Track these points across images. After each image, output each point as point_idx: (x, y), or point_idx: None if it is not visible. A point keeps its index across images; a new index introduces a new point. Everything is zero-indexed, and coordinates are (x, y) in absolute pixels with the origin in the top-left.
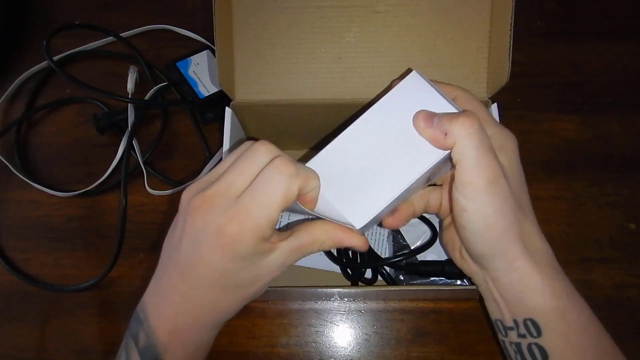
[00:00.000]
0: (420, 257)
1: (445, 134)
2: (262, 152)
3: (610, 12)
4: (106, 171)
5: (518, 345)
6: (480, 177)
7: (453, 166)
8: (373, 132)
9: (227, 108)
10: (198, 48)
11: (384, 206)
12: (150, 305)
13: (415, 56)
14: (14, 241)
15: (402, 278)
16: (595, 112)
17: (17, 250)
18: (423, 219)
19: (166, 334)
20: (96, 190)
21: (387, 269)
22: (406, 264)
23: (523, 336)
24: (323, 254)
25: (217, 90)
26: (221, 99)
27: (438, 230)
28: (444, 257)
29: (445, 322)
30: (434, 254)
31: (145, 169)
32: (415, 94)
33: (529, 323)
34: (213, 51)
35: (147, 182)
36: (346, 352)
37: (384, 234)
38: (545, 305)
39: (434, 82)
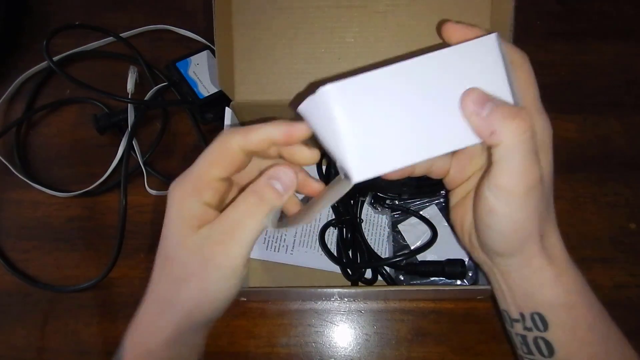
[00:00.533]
0: (420, 257)
1: (492, 132)
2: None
3: (610, 12)
4: (106, 171)
5: (524, 337)
6: (520, 184)
7: (489, 160)
8: (417, 81)
9: (227, 108)
10: (198, 48)
11: (389, 170)
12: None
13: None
14: (14, 241)
15: (402, 278)
16: (595, 112)
17: (17, 251)
18: (423, 219)
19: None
20: (96, 191)
21: (387, 269)
22: (406, 264)
23: (529, 329)
24: (323, 254)
25: (217, 90)
26: (221, 99)
27: (446, 205)
28: (444, 257)
29: (445, 322)
30: (433, 254)
31: (145, 169)
32: (481, 59)
33: (536, 317)
34: (213, 51)
35: (147, 182)
36: (346, 352)
37: (384, 234)
38: (554, 300)
39: (504, 43)
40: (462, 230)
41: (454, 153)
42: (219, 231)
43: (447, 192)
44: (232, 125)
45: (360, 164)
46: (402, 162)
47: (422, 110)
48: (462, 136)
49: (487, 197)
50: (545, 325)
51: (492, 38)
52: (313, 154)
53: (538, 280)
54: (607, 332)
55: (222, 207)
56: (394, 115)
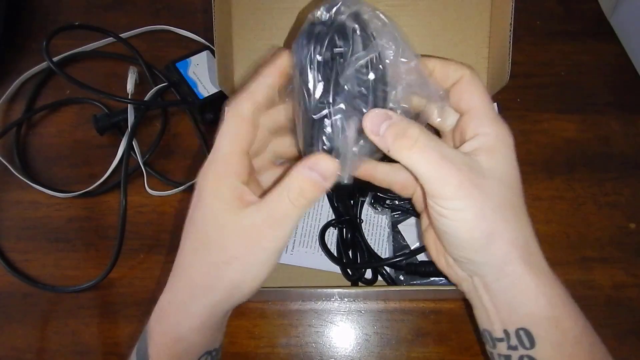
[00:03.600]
0: (420, 257)
1: (388, 150)
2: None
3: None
4: (106, 172)
5: (508, 357)
6: (446, 184)
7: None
8: None
9: (226, 107)
10: (198, 49)
11: None
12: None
13: None
14: (14, 242)
15: (402, 278)
16: (595, 112)
17: (17, 251)
18: None
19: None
20: (96, 191)
21: (387, 269)
22: (406, 264)
23: (514, 348)
24: (323, 254)
25: (217, 90)
26: (221, 100)
27: (418, 233)
28: None
29: (445, 322)
30: None
31: (145, 170)
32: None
33: (521, 333)
34: (213, 52)
35: (147, 182)
36: (346, 353)
37: (383, 235)
38: (539, 313)
39: (439, 59)
40: (437, 252)
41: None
42: (266, 215)
43: (418, 216)
44: None
45: None
46: None
47: None
48: None
49: (430, 204)
50: (532, 342)
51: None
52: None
53: (520, 290)
54: (593, 346)
55: (250, 181)
56: None
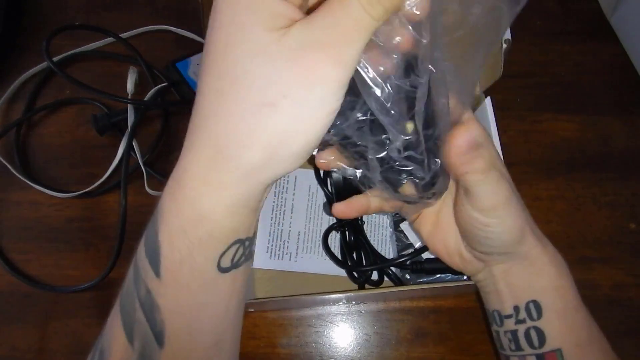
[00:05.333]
0: (425, 254)
1: (466, 172)
2: None
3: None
4: (106, 172)
5: (514, 332)
6: (500, 198)
7: (458, 188)
8: None
9: None
10: (198, 49)
11: None
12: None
13: None
14: (14, 242)
15: (409, 277)
16: (595, 112)
17: (17, 251)
18: None
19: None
20: (96, 191)
21: (393, 269)
22: (412, 263)
23: (522, 321)
24: (327, 259)
25: None
26: None
27: (421, 241)
28: None
29: (445, 322)
30: None
31: (145, 170)
32: None
33: (531, 306)
34: None
35: (147, 182)
36: (346, 353)
37: (386, 235)
38: (549, 284)
39: None
40: (449, 253)
41: None
42: (325, 32)
43: (410, 224)
44: None
45: None
46: None
47: None
48: None
49: (477, 218)
50: (540, 312)
51: None
52: None
53: (537, 267)
54: (589, 318)
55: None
56: None
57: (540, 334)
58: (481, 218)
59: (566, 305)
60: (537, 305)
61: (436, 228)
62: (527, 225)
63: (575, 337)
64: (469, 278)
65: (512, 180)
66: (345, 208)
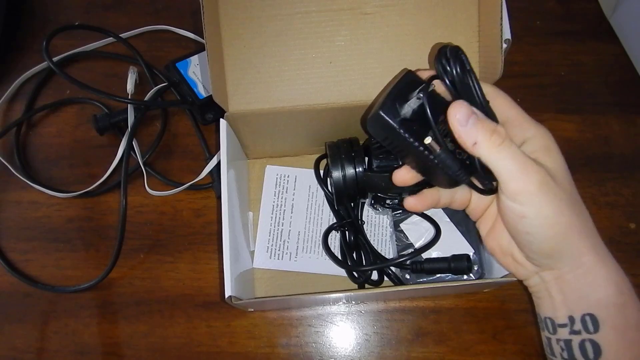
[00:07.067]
0: (425, 254)
1: (474, 143)
2: None
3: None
4: (106, 172)
5: (568, 342)
6: (530, 182)
7: (490, 179)
8: None
9: (221, 120)
10: (198, 49)
11: None
12: None
13: (407, 55)
14: (14, 242)
15: (409, 277)
16: (595, 112)
17: (17, 251)
18: (425, 216)
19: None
20: (96, 191)
21: (393, 269)
22: (412, 263)
23: (577, 332)
24: (327, 258)
25: None
26: None
27: (480, 237)
28: (448, 254)
29: (445, 322)
30: (438, 250)
31: (145, 170)
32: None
33: (587, 318)
34: None
35: (147, 182)
36: (346, 353)
37: (386, 235)
38: (607, 300)
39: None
40: (503, 253)
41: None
42: None
43: (474, 223)
44: (228, 136)
45: None
46: None
47: None
48: None
49: (510, 207)
50: (597, 327)
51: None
52: None
53: (593, 279)
54: None
55: None
56: None
57: (597, 348)
58: (514, 206)
59: (627, 323)
60: (594, 319)
61: (493, 227)
62: (578, 227)
63: (635, 353)
64: (471, 276)
65: (572, 179)
66: (416, 202)
